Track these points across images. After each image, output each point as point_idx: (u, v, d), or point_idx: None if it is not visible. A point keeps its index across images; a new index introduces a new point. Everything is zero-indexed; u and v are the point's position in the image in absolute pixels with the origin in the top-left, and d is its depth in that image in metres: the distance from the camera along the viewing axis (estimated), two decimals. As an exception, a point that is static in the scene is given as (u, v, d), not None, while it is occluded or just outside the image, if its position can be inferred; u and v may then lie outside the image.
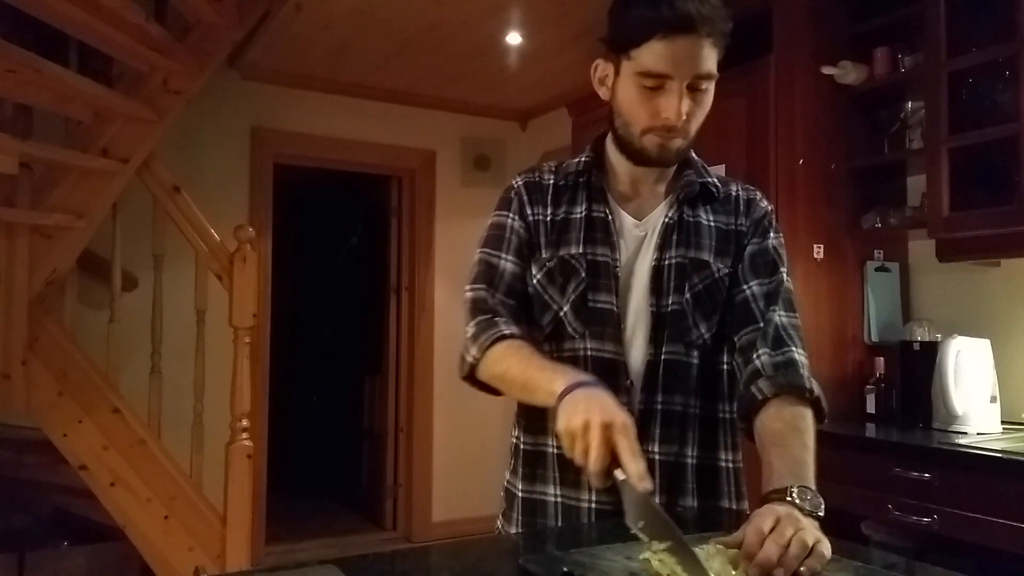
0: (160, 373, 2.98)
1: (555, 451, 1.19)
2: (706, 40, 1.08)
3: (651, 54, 1.09)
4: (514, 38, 3.50)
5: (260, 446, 3.76)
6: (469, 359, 1.18)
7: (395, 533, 4.54)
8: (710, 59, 1.10)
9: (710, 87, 1.14)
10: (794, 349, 1.15)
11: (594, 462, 0.92)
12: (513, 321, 1.17)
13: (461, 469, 4.50)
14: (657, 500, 1.16)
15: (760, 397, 1.10)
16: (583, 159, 1.27)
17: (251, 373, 3.00)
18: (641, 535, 0.88)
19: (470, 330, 1.19)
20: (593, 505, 1.16)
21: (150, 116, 2.83)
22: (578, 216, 1.22)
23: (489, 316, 1.18)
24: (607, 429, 0.92)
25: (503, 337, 1.14)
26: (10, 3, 2.37)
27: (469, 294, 1.22)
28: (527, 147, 4.67)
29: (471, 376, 1.20)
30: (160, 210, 2.99)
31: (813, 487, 0.96)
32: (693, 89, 1.11)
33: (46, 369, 2.74)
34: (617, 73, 1.16)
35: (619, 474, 0.91)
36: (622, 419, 0.94)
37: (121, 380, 2.91)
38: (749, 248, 1.23)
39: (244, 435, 2.91)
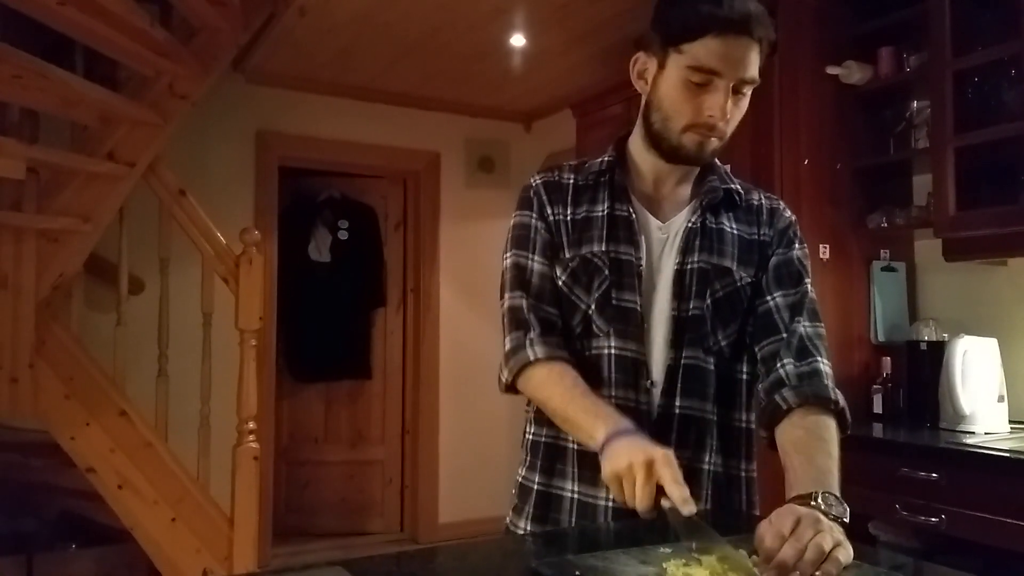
0: (167, 376, 2.99)
1: (574, 446, 1.20)
2: (756, 45, 1.10)
3: (704, 49, 1.09)
4: (518, 40, 3.50)
5: (266, 448, 3.77)
6: (503, 378, 1.21)
7: (402, 535, 4.55)
8: (755, 65, 1.11)
9: (749, 93, 1.14)
10: (819, 359, 1.15)
11: (640, 500, 0.94)
12: (545, 334, 1.18)
13: (467, 471, 4.50)
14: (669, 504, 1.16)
15: (784, 407, 1.11)
16: (605, 159, 1.26)
17: (257, 375, 3.01)
18: (697, 556, 0.89)
19: (506, 344, 1.20)
20: (610, 504, 1.16)
21: (156, 120, 2.84)
22: (600, 214, 1.22)
23: (522, 333, 1.18)
24: (650, 465, 0.95)
25: (530, 364, 1.16)
26: (16, 9, 2.39)
27: (506, 303, 1.23)
28: (531, 149, 4.67)
29: (509, 389, 1.22)
30: (166, 213, 3.01)
31: (838, 494, 0.96)
32: (735, 92, 1.12)
33: (53, 372, 2.75)
34: (662, 67, 1.15)
35: (665, 502, 0.93)
36: (663, 453, 0.96)
37: (128, 383, 2.91)
38: (773, 259, 1.22)
39: (251, 437, 2.91)
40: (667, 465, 0.95)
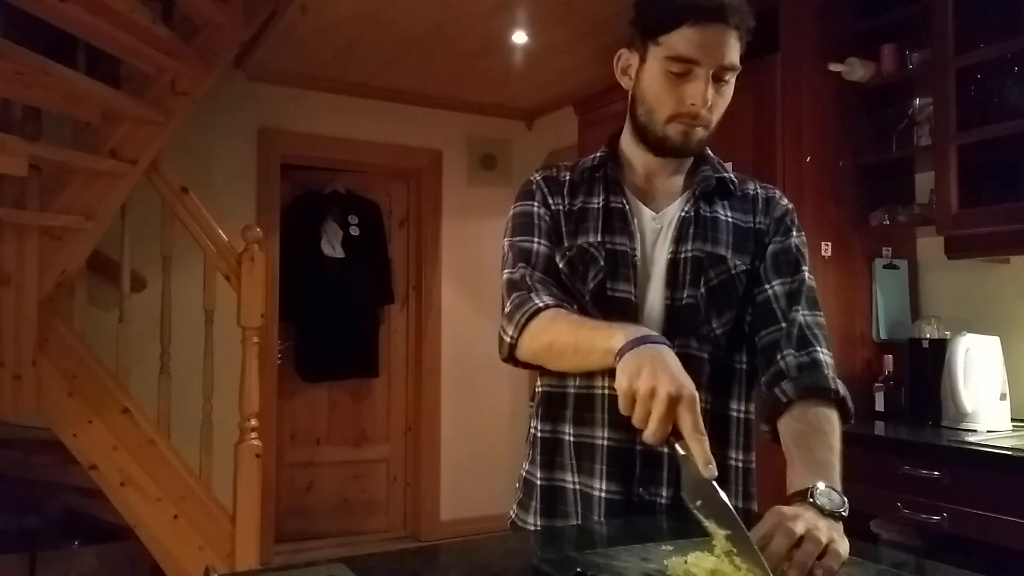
0: (169, 373, 2.99)
1: (571, 439, 1.20)
2: (733, 32, 1.11)
3: (681, 39, 1.10)
4: (520, 37, 3.50)
5: (269, 445, 3.77)
6: (507, 339, 1.16)
7: (403, 532, 4.55)
8: (735, 51, 1.12)
9: (732, 80, 1.15)
10: (819, 349, 1.15)
11: (651, 433, 0.89)
12: (548, 294, 1.15)
13: (468, 468, 4.51)
14: (664, 493, 1.16)
15: (784, 399, 1.10)
16: (599, 154, 1.28)
17: (259, 373, 3.01)
18: (698, 514, 0.86)
19: (506, 308, 1.18)
20: (604, 495, 1.17)
21: (158, 117, 2.84)
22: (595, 206, 1.23)
23: (524, 291, 1.16)
24: (673, 402, 0.87)
25: (539, 310, 1.12)
26: (19, 6, 2.39)
27: (505, 276, 1.21)
28: (533, 146, 4.67)
29: (511, 356, 1.18)
30: (168, 211, 3.01)
31: (838, 487, 0.95)
32: (717, 80, 1.13)
33: (56, 370, 2.76)
34: (643, 60, 1.17)
35: (680, 449, 0.88)
36: (690, 391, 0.89)
37: (130, 380, 2.92)
38: (771, 247, 1.22)
39: (253, 435, 2.92)
40: (691, 409, 0.87)
